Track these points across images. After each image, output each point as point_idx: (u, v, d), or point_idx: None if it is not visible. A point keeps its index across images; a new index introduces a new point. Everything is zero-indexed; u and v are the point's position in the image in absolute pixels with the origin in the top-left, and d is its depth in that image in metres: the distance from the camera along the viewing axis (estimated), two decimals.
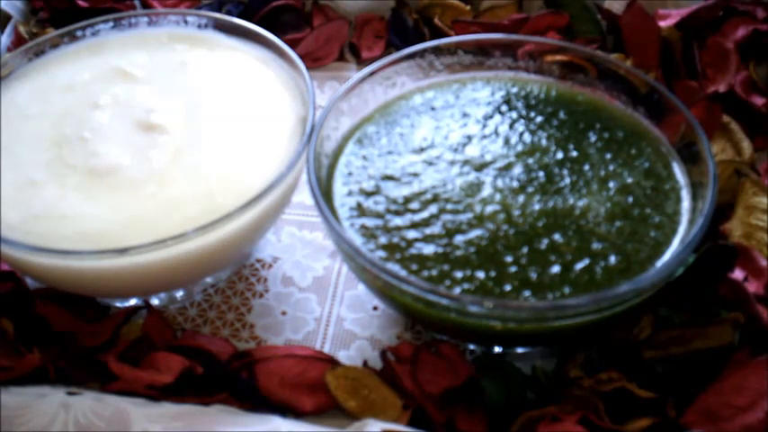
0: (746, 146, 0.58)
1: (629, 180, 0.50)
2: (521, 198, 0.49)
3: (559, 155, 0.51)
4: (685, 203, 0.49)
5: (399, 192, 0.50)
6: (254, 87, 0.56)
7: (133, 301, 0.53)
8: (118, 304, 0.53)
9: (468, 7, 0.74)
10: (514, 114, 0.55)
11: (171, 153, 0.51)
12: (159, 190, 0.48)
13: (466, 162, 0.51)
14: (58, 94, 0.55)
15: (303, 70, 0.54)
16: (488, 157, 0.51)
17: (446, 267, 0.45)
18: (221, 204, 0.47)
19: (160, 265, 0.46)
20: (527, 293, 0.44)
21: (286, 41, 0.56)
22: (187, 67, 0.57)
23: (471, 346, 0.50)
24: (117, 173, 0.49)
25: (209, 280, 0.55)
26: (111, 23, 0.60)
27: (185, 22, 0.60)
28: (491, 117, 0.55)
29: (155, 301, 0.54)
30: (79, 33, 0.60)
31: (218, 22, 0.60)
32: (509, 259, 0.45)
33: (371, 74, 0.55)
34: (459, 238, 0.46)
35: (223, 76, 0.57)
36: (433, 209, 0.48)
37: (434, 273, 0.45)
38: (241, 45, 0.59)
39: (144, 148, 0.51)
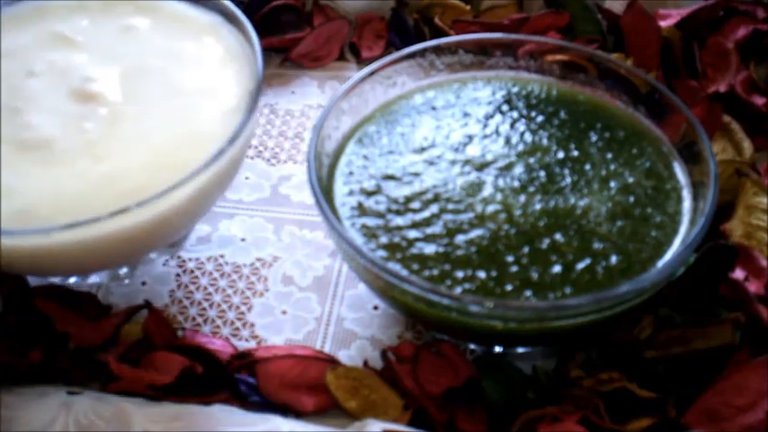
0: (747, 146, 0.58)
1: (630, 180, 0.50)
2: (522, 198, 0.49)
3: (560, 154, 0.51)
4: (686, 203, 0.49)
5: (400, 191, 0.50)
6: (199, 57, 0.53)
7: (72, 280, 0.53)
8: (72, 280, 0.53)
9: (468, 7, 0.74)
10: (515, 114, 0.55)
11: (106, 125, 0.48)
12: (93, 164, 0.46)
13: (467, 162, 0.51)
14: None
15: (254, 39, 0.51)
16: (489, 157, 0.51)
17: (447, 267, 0.45)
18: (158, 180, 0.44)
19: (91, 243, 0.44)
20: (528, 293, 0.44)
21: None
22: (130, 34, 0.54)
23: (472, 346, 0.50)
24: (49, 145, 0.47)
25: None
26: None
27: None
28: (492, 117, 0.54)
29: (95, 279, 0.54)
30: None
31: None
32: (510, 259, 0.45)
33: (372, 73, 0.55)
34: (460, 238, 0.46)
35: (167, 44, 0.54)
36: (434, 208, 0.48)
37: (435, 272, 0.45)
38: (191, 11, 0.56)
39: (78, 119, 0.48)
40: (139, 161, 0.47)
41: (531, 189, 0.49)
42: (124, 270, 0.54)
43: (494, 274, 0.45)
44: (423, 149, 0.52)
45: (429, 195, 0.49)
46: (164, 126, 0.49)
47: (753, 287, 0.48)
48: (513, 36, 0.59)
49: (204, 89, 0.51)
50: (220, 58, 0.53)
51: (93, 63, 0.52)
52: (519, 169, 0.50)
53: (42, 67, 0.52)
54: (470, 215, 0.48)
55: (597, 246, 0.46)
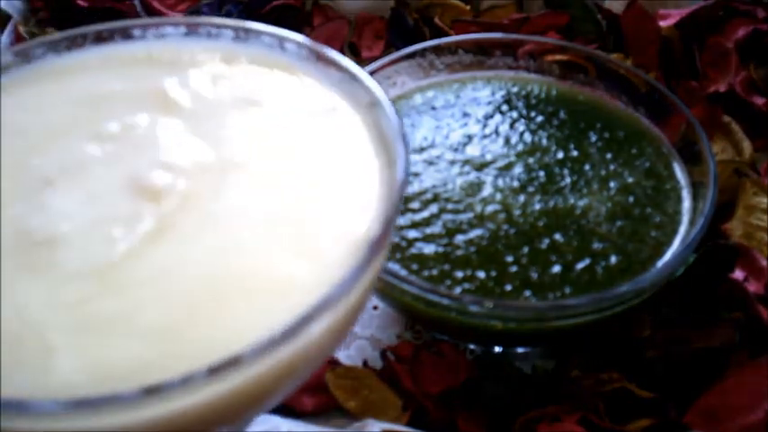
0: (747, 146, 0.58)
1: (630, 180, 0.50)
2: (521, 198, 0.49)
3: (560, 154, 0.51)
4: (686, 203, 0.49)
5: None
6: (331, 155, 0.36)
7: None
8: None
9: (468, 7, 0.74)
10: (515, 114, 0.55)
11: (141, 243, 0.31)
12: (94, 294, 0.30)
13: (466, 162, 0.51)
14: (64, 105, 0.38)
15: (401, 150, 0.34)
16: (489, 157, 0.51)
17: (446, 267, 0.45)
18: (158, 357, 0.28)
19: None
20: (527, 293, 0.44)
21: None
22: (252, 109, 0.38)
23: (471, 346, 0.50)
24: (53, 248, 0.31)
25: None
26: (183, 29, 0.42)
27: (282, 47, 0.41)
28: (491, 117, 0.54)
29: None
30: (137, 33, 0.42)
31: (321, 54, 0.40)
32: (509, 259, 0.45)
33: (371, 73, 0.54)
34: (459, 238, 0.46)
35: (296, 129, 0.37)
36: (433, 208, 0.48)
37: (435, 272, 0.45)
38: (339, 90, 0.39)
39: (113, 221, 0.32)
40: (166, 312, 0.29)
41: (531, 189, 0.49)
42: None
43: (493, 274, 0.45)
44: (422, 149, 0.52)
45: (428, 195, 0.49)
46: (213, 269, 0.31)
47: (753, 287, 0.48)
48: (513, 36, 0.59)
49: (310, 222, 0.33)
50: (359, 162, 0.36)
51: (181, 143, 0.36)
52: (518, 169, 0.50)
53: (114, 131, 0.36)
54: (470, 215, 0.48)
55: (597, 246, 0.46)
